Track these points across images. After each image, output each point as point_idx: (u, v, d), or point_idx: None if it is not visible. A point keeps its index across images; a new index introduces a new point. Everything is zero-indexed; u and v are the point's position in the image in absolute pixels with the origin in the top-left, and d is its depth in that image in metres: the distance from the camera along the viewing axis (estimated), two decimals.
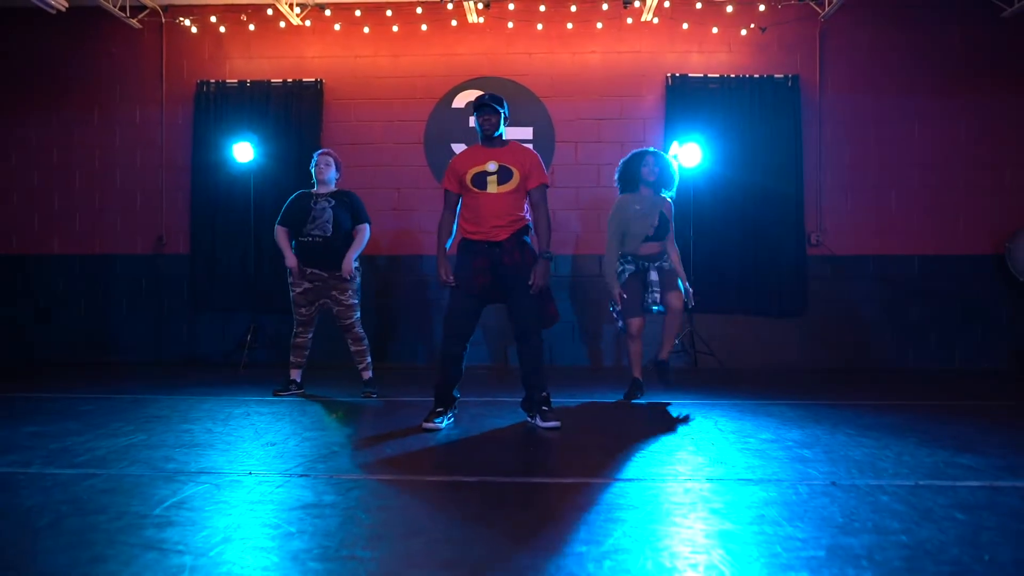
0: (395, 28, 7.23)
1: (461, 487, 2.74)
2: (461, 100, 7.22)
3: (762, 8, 7.08)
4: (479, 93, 4.48)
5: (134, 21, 7.12)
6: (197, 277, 7.24)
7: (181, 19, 7.24)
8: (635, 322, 4.78)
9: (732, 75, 7.11)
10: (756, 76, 7.09)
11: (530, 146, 7.01)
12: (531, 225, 3.93)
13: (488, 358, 7.12)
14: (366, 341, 5.02)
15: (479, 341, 6.95)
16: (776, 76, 7.09)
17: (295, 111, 7.24)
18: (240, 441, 3.46)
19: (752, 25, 7.13)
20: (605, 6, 7.12)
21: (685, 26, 7.17)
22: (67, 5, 6.48)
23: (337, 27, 7.25)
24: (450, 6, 6.97)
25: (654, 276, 4.73)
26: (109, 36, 7.38)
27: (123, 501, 2.43)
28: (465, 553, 1.98)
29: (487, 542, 2.07)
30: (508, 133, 4.03)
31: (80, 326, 7.38)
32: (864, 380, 6.01)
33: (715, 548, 2.00)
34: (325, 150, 5.14)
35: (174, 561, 1.88)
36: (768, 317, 7.04)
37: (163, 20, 7.28)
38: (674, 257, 4.86)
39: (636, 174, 4.80)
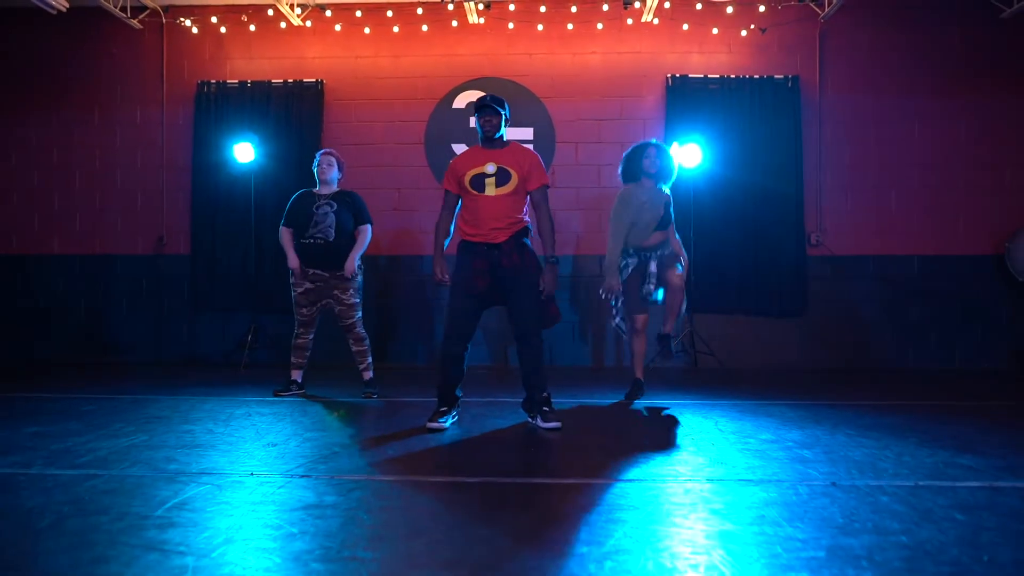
0: (396, 29, 7.23)
1: (462, 488, 2.75)
2: (462, 101, 7.22)
3: (762, 9, 7.09)
4: (480, 94, 4.50)
5: (135, 21, 7.12)
6: (198, 277, 7.24)
7: (182, 19, 7.24)
8: (639, 318, 4.78)
9: (732, 76, 7.12)
10: (756, 77, 7.10)
11: (531, 147, 7.04)
12: (531, 227, 3.94)
13: (488, 358, 7.12)
14: (367, 342, 5.02)
15: (479, 341, 6.96)
16: (776, 76, 7.10)
17: (296, 111, 7.24)
18: (241, 442, 3.46)
19: (752, 26, 7.13)
20: (605, 7, 7.12)
21: (685, 27, 7.17)
22: (67, 5, 6.48)
23: (338, 28, 7.26)
24: (451, 7, 6.97)
25: (653, 267, 4.73)
26: (110, 36, 7.38)
27: (125, 502, 2.43)
28: (466, 554, 1.99)
29: (488, 543, 2.07)
30: (509, 133, 4.03)
31: (80, 326, 7.39)
32: (864, 380, 6.02)
33: (715, 549, 2.00)
34: (328, 150, 5.15)
35: (176, 562, 1.89)
36: (768, 317, 7.04)
37: (164, 20, 7.29)
38: (675, 244, 4.86)
39: (638, 165, 4.82)
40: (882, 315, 7.05)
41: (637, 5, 6.95)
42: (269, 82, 7.28)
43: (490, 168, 3.82)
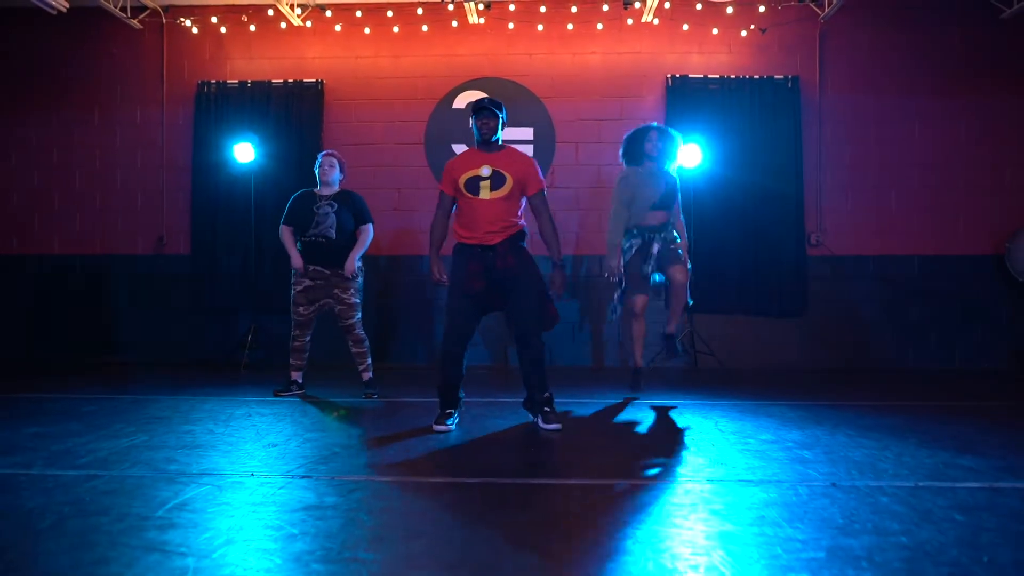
0: (396, 29, 7.23)
1: (463, 488, 2.75)
2: (462, 101, 7.22)
3: (762, 9, 7.09)
4: (480, 94, 4.50)
5: (135, 21, 7.12)
6: (198, 277, 7.24)
7: (182, 20, 7.24)
8: (639, 299, 4.74)
9: (732, 76, 7.11)
10: (756, 77, 7.10)
11: (530, 148, 7.04)
12: (527, 231, 3.94)
13: (488, 358, 7.12)
14: (367, 342, 5.02)
15: (479, 341, 6.96)
16: (776, 77, 7.10)
17: (296, 111, 7.24)
18: (242, 442, 3.46)
19: (752, 26, 7.13)
20: (605, 7, 7.12)
21: (685, 27, 7.17)
22: (67, 5, 6.48)
23: (338, 28, 7.26)
24: (451, 7, 6.97)
25: (655, 249, 4.71)
26: (110, 36, 7.38)
27: (125, 503, 2.44)
28: (467, 554, 1.99)
29: (489, 543, 2.08)
30: (509, 133, 4.04)
31: (80, 326, 7.39)
32: (864, 380, 6.02)
33: (716, 549, 2.01)
34: (330, 151, 5.15)
35: (176, 563, 1.89)
36: (768, 317, 7.04)
37: (164, 20, 7.28)
38: (679, 228, 4.86)
39: (640, 148, 4.81)
40: (882, 315, 7.05)
41: (637, 5, 6.95)
42: (269, 82, 7.28)
43: (485, 171, 3.81)
